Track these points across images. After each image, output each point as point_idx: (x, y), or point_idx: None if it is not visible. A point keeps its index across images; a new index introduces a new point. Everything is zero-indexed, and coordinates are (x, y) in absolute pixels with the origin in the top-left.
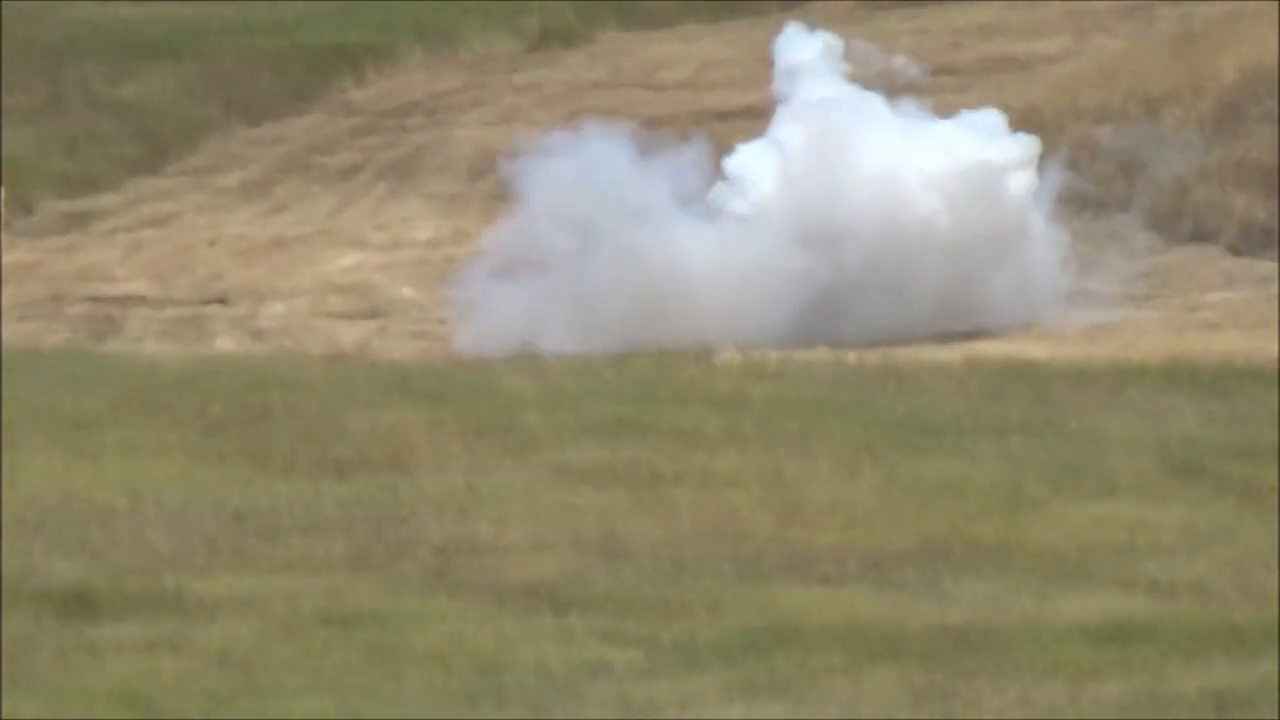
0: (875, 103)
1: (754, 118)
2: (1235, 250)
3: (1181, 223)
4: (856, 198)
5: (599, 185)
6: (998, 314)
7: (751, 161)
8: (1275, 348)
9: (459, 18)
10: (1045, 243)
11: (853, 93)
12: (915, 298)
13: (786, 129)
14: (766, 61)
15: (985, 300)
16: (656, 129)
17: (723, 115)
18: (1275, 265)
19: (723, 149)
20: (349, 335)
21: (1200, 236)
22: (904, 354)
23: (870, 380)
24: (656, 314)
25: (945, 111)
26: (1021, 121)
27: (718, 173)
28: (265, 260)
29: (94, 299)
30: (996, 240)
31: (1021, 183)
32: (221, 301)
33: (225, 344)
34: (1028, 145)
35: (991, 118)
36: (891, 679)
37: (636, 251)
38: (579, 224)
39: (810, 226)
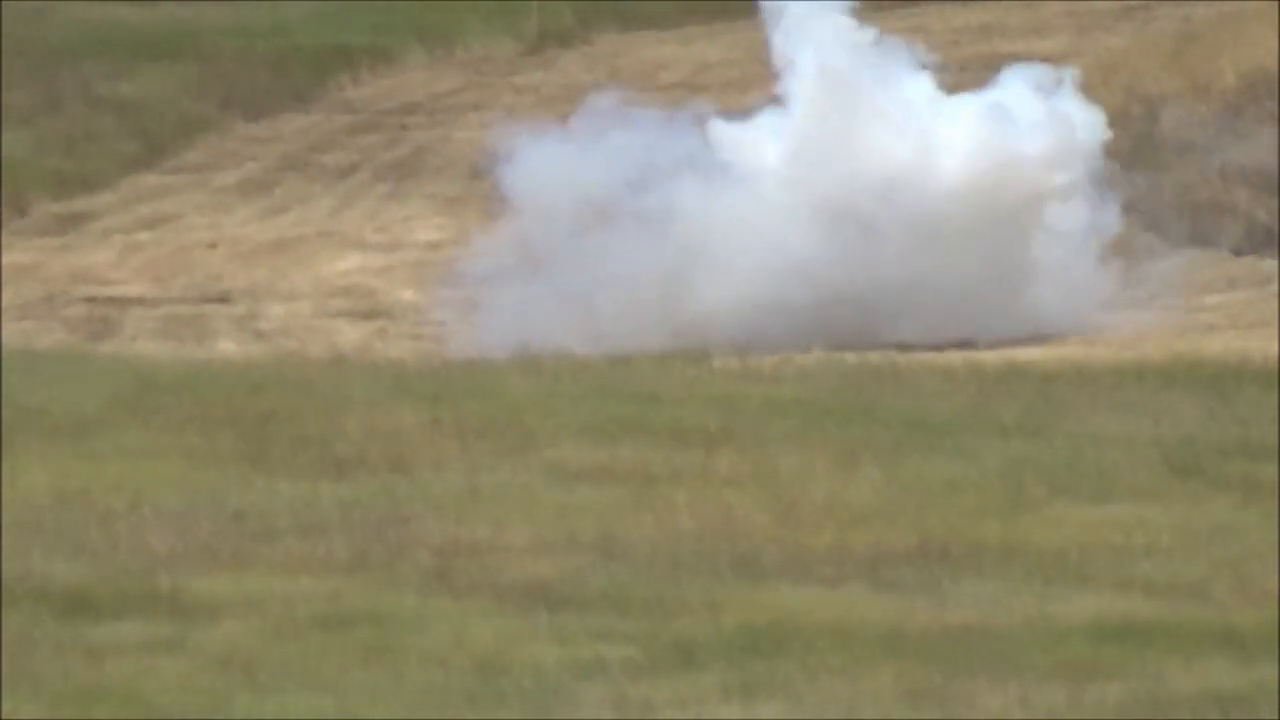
0: (883, 51)
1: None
2: (1236, 251)
3: (1181, 224)
4: (876, 176)
5: (601, 163)
6: (1034, 318)
7: (756, 128)
8: (1275, 348)
9: (458, 19)
10: (1081, 240)
11: (855, 29)
12: (940, 297)
13: (794, 87)
14: (765, 63)
15: (1018, 303)
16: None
17: (721, 116)
18: (1276, 265)
19: None
20: (348, 336)
21: (1200, 237)
22: (903, 354)
23: (869, 381)
24: (663, 305)
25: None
26: None
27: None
28: (264, 261)
29: (91, 299)
30: (1025, 238)
31: (1054, 181)
32: (220, 302)
33: (224, 345)
34: (1077, 128)
35: (1029, 84)
36: (890, 679)
37: (649, 222)
38: (582, 205)
39: (823, 203)
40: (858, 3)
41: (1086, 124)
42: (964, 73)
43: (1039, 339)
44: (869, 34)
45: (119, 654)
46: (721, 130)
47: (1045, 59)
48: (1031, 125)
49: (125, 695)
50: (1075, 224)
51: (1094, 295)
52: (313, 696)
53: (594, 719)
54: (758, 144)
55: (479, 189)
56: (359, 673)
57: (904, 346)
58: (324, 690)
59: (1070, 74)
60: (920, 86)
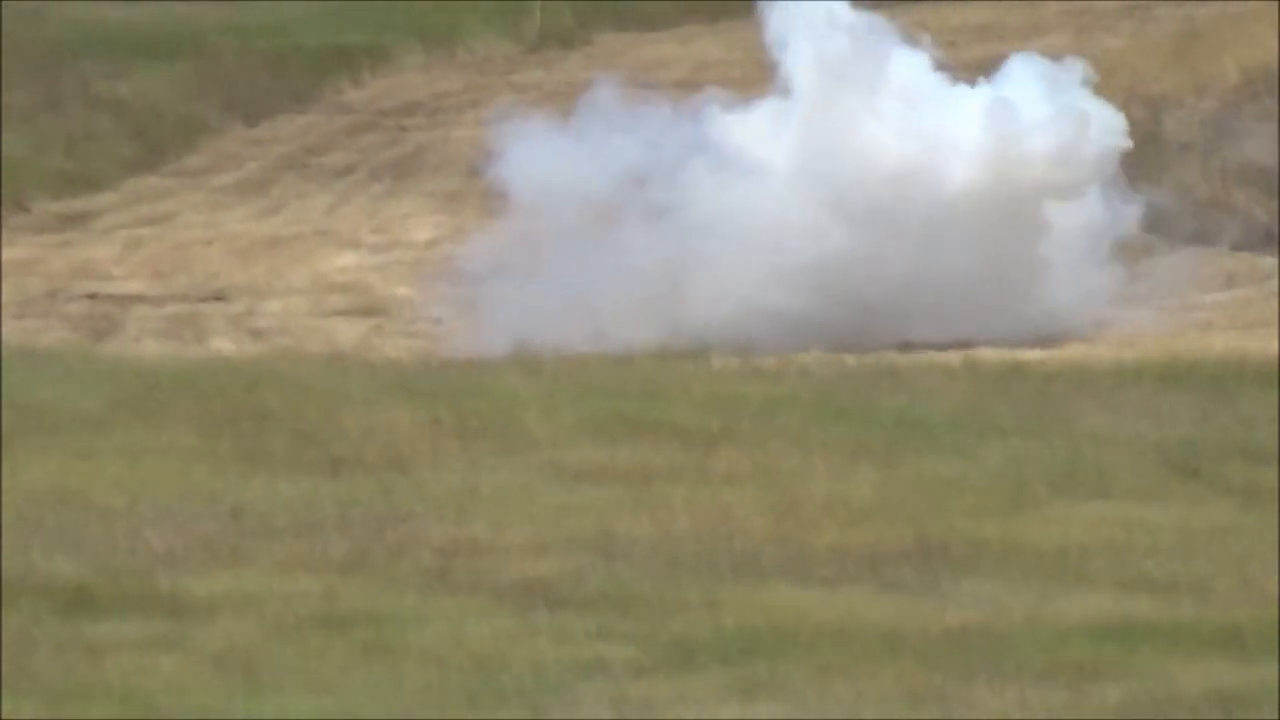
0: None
1: None
2: (1235, 250)
3: (1181, 223)
4: (880, 173)
5: (601, 158)
6: (1041, 319)
7: (756, 118)
8: (1275, 347)
9: (458, 19)
10: (1092, 239)
11: (848, 13)
12: (945, 297)
13: (792, 72)
14: (765, 62)
15: (1025, 303)
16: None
17: (721, 105)
18: (1275, 264)
19: None
20: (346, 335)
21: (1200, 236)
22: (902, 354)
23: (868, 380)
24: (663, 303)
25: None
26: None
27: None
28: (262, 259)
29: (91, 297)
30: (1032, 236)
31: (1062, 178)
32: (219, 300)
33: (222, 343)
34: (1088, 125)
35: (1036, 78)
36: (889, 679)
37: (649, 218)
38: (582, 201)
39: (829, 200)
40: (858, 3)
41: (1102, 122)
42: (963, 73)
43: (1044, 341)
44: (864, 19)
45: (118, 652)
46: (721, 121)
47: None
48: (1039, 121)
49: (124, 693)
50: (1085, 223)
51: (1102, 295)
52: (312, 696)
53: (594, 718)
54: (759, 134)
55: (477, 187)
56: (358, 672)
57: (906, 347)
58: (323, 690)
59: (1080, 68)
60: (918, 66)
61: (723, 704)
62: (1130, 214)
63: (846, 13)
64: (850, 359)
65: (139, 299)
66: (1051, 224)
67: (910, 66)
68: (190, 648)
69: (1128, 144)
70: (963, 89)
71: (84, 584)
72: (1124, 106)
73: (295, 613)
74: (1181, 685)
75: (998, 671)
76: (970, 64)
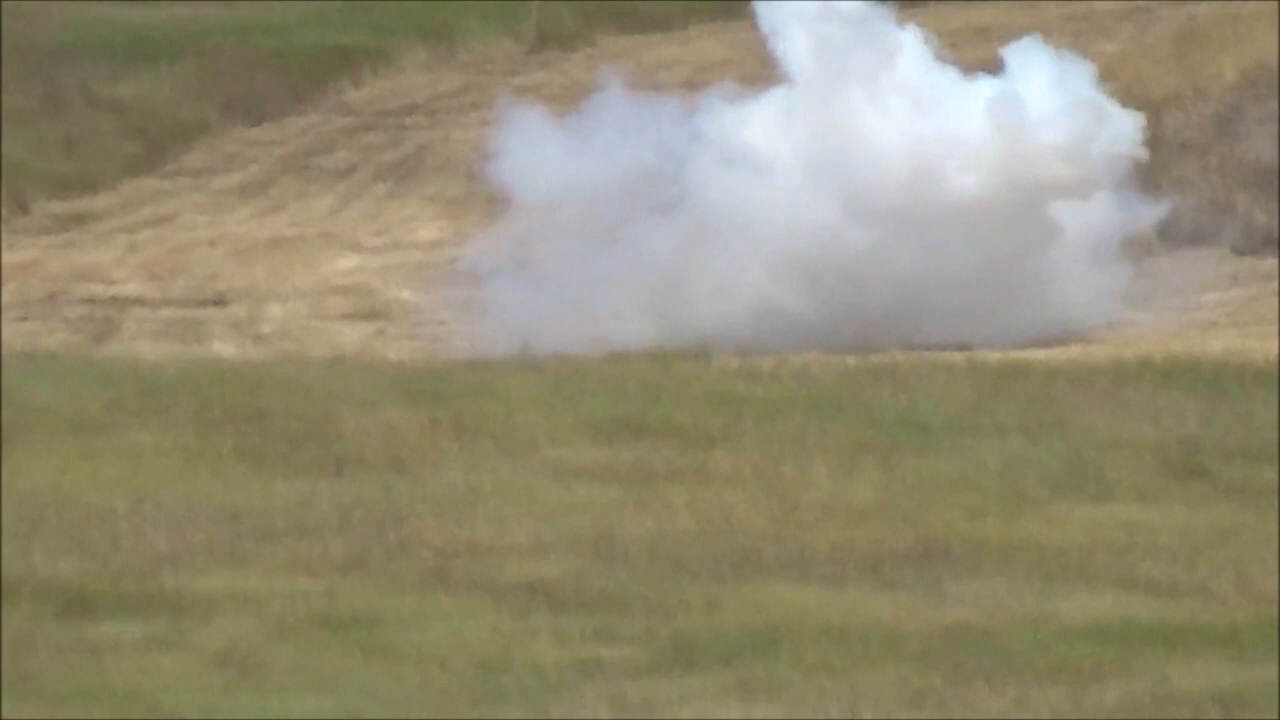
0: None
1: None
2: (1236, 250)
3: (1182, 223)
4: (885, 161)
5: (601, 157)
6: (1047, 321)
7: (757, 111)
8: (1275, 347)
9: (458, 19)
10: (1102, 240)
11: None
12: (949, 300)
13: (789, 57)
14: (766, 63)
15: (1031, 307)
16: None
17: (720, 99)
18: (1275, 265)
19: None
20: (348, 337)
21: (1201, 237)
22: (903, 353)
23: (869, 380)
24: (664, 304)
25: None
26: None
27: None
28: (263, 261)
29: (92, 299)
30: (1040, 237)
31: (1069, 176)
32: (219, 303)
33: (223, 345)
34: (1098, 123)
35: (1044, 74)
36: (890, 679)
37: (650, 218)
38: (582, 201)
39: (832, 200)
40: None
41: (1117, 123)
42: (966, 74)
43: (1047, 341)
44: (865, 9)
45: (119, 652)
46: (724, 115)
47: None
48: (1047, 116)
49: (125, 694)
50: (1094, 223)
51: (1110, 297)
52: (312, 695)
53: (594, 718)
54: (762, 129)
55: (478, 189)
56: (358, 672)
57: (912, 350)
58: (323, 689)
59: (1089, 66)
60: (922, 57)
61: (722, 704)
62: (1148, 215)
63: (847, 5)
64: (850, 359)
65: (139, 301)
66: (1061, 225)
67: (914, 57)
68: (191, 648)
69: (1143, 152)
70: (968, 82)
71: (84, 585)
72: (1124, 107)
73: (295, 613)
74: (1181, 685)
75: (998, 671)
76: (972, 65)
